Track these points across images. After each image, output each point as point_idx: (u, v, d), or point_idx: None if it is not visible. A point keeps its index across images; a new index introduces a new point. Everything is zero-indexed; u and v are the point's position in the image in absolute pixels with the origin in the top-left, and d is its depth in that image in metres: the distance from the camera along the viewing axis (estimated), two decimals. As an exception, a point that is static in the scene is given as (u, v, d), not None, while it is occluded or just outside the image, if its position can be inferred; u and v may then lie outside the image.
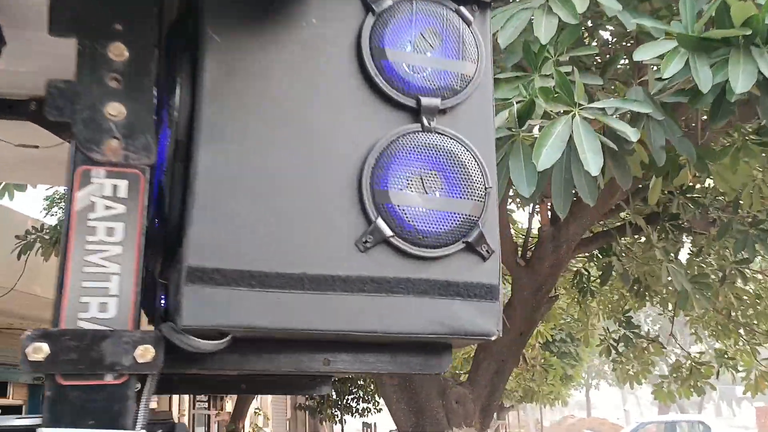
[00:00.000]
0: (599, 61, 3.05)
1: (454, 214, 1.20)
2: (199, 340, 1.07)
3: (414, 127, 1.22)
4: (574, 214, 5.15)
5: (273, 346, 1.17)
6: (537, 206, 5.91)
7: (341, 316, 1.12)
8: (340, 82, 1.21)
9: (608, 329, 9.32)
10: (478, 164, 1.24)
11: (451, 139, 1.23)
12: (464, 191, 1.22)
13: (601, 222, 6.41)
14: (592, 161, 1.84)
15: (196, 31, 1.16)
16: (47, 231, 7.19)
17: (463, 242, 1.20)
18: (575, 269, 8.25)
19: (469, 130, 1.26)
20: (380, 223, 1.16)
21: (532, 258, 5.62)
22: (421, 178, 1.20)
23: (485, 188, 1.23)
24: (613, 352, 9.07)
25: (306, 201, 1.14)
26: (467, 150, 1.24)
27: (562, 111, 1.95)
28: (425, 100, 1.23)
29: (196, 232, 1.07)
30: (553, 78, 2.00)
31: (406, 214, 1.17)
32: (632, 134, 1.91)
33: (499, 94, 2.26)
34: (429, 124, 1.23)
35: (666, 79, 2.10)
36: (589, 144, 1.87)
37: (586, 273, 8.15)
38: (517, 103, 2.05)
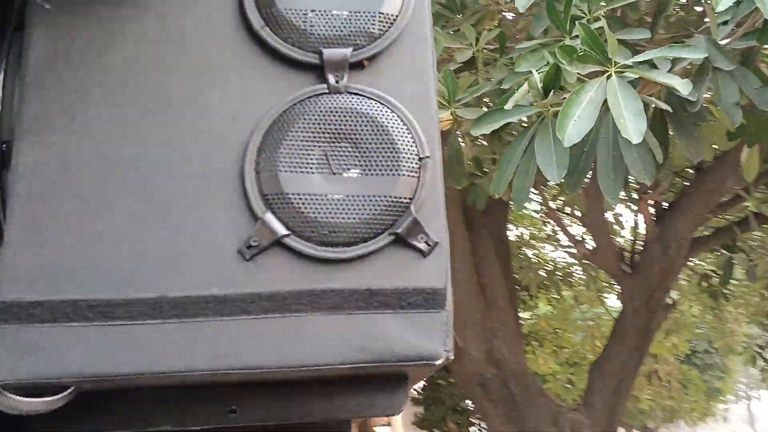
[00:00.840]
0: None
1: (375, 197, 0.88)
2: (23, 399, 0.80)
3: (317, 89, 0.92)
4: (679, 208, 4.59)
5: (146, 396, 0.89)
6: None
7: (218, 349, 0.83)
8: (215, 46, 0.93)
9: (751, 335, 8.45)
10: (408, 128, 0.92)
11: (368, 99, 0.92)
12: (388, 165, 0.90)
13: (720, 216, 5.74)
14: (632, 126, 1.45)
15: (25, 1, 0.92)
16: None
17: (390, 234, 0.88)
18: (702, 272, 7.51)
19: (398, 86, 0.95)
20: (269, 218, 0.86)
21: (640, 263, 5.07)
22: (327, 155, 0.89)
23: (419, 159, 0.91)
24: (760, 359, 8.19)
25: (166, 201, 0.86)
26: (392, 111, 0.92)
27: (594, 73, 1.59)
28: (329, 53, 0.93)
29: (10, 255, 0.81)
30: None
31: (305, 203, 0.87)
32: (682, 86, 1.51)
33: (524, 66, 1.90)
34: (337, 82, 0.92)
35: (727, 21, 1.69)
36: (628, 105, 1.49)
37: (715, 275, 7.39)
38: (538, 72, 1.68)
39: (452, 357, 0.86)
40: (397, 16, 0.96)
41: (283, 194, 0.87)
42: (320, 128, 0.90)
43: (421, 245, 0.88)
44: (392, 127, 0.91)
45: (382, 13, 0.95)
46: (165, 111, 0.89)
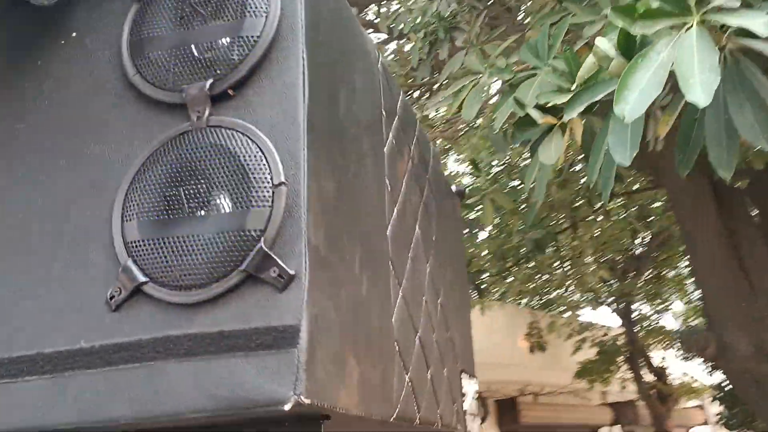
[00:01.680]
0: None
1: (222, 234, 0.84)
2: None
3: (181, 128, 0.91)
4: None
5: None
6: None
7: (84, 403, 0.85)
8: (100, 99, 0.97)
9: None
10: (264, 155, 0.86)
11: (227, 131, 0.88)
12: (238, 198, 0.85)
13: None
14: (703, 80, 1.16)
15: None
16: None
17: (241, 272, 0.83)
18: None
19: (263, 111, 0.90)
20: (130, 266, 0.86)
21: None
22: (184, 195, 0.87)
23: (272, 186, 0.85)
24: None
25: (46, 257, 0.91)
26: (250, 140, 0.87)
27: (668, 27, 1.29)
28: (189, 89, 0.91)
29: None
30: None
31: (159, 248, 0.86)
32: (762, 26, 1.17)
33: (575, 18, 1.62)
34: (198, 118, 0.90)
35: None
36: (704, 60, 1.19)
37: None
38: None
39: (307, 401, 0.77)
40: (258, 37, 0.90)
41: (140, 241, 0.86)
42: (180, 168, 0.88)
43: (273, 279, 0.82)
44: (246, 156, 0.86)
45: (242, 37, 0.91)
46: (52, 169, 0.94)
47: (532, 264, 7.41)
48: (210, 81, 0.90)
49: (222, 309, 0.83)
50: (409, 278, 1.20)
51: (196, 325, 0.83)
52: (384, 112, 1.21)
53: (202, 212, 0.85)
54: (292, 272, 0.81)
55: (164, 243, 0.85)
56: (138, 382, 0.83)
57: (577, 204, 6.55)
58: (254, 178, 0.84)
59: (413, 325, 1.19)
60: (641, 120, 1.37)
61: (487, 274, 7.60)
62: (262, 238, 0.83)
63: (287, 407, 0.77)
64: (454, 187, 1.97)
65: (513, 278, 7.87)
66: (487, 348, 9.12)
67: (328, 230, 0.89)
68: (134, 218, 0.87)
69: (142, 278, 0.85)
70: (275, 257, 0.82)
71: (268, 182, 0.84)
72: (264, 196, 0.84)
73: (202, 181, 0.87)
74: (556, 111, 1.85)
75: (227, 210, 0.84)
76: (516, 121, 1.99)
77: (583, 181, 6.10)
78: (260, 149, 0.86)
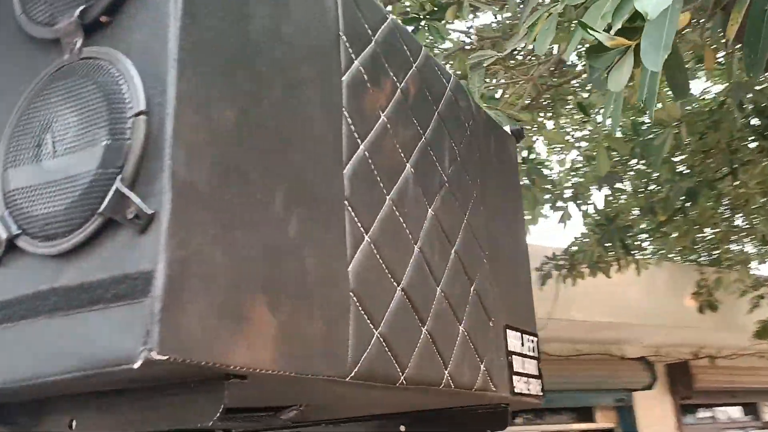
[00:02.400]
0: None
1: (78, 176, 0.75)
2: None
3: (56, 64, 0.83)
4: None
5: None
6: None
7: None
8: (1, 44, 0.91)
9: None
10: (127, 84, 0.76)
11: (96, 61, 0.79)
12: (95, 135, 0.76)
13: None
14: None
15: None
16: (559, 257, 7.25)
17: (99, 215, 0.74)
18: None
19: (136, 35, 0.80)
20: (6, 218, 0.80)
21: None
22: (52, 138, 0.79)
23: (131, 116, 0.74)
24: None
25: None
26: (117, 70, 0.78)
27: None
28: (61, 21, 0.82)
29: None
30: None
31: (25, 198, 0.79)
32: None
33: None
34: (71, 52, 0.82)
35: None
36: None
37: None
38: None
39: (162, 357, 0.67)
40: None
41: (14, 190, 0.80)
42: (51, 108, 0.80)
43: (129, 219, 0.72)
44: (108, 88, 0.76)
45: (109, -44, 0.81)
46: None
47: (690, 216, 6.84)
48: (79, 9, 0.81)
49: (86, 259, 0.74)
50: (385, 223, 1.06)
51: (63, 278, 0.75)
52: (344, 37, 1.06)
53: (68, 154, 0.77)
54: (150, 212, 0.71)
55: (32, 190, 0.78)
56: (8, 345, 0.76)
57: (734, 147, 5.94)
58: (112, 109, 0.75)
59: (391, 275, 1.05)
60: (674, 18, 1.12)
61: (639, 229, 7.13)
62: (119, 176, 0.73)
63: (136, 365, 0.67)
64: (508, 127, 1.78)
65: (670, 233, 7.31)
66: (648, 309, 8.60)
67: (220, 164, 0.78)
68: (10, 166, 0.81)
69: (15, 230, 0.78)
70: (132, 196, 0.72)
71: (126, 113, 0.74)
72: (120, 129, 0.74)
73: (71, 120, 0.78)
74: (629, 33, 1.62)
75: (87, 148, 0.75)
76: (587, 48, 1.78)
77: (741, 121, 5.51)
78: (124, 77, 0.76)
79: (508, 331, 1.45)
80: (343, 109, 1.02)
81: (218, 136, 0.79)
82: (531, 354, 1.55)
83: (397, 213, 1.10)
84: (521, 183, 1.72)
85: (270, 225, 0.84)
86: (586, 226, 6.78)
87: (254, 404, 0.91)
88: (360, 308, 0.96)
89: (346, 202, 0.98)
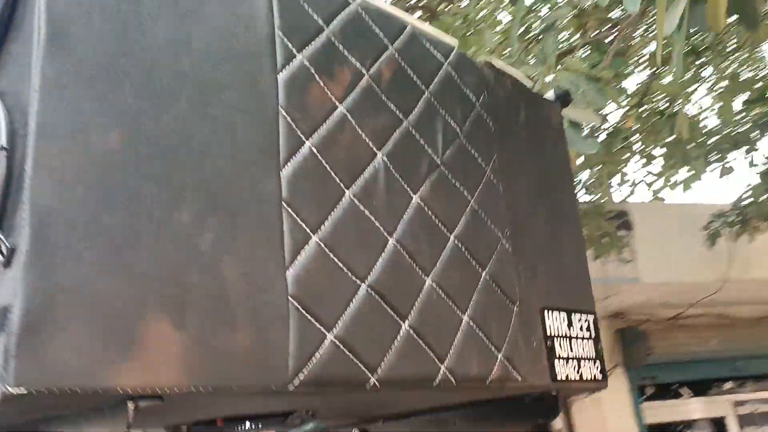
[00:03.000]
0: None
1: None
2: None
3: None
4: None
5: None
6: None
7: None
8: None
9: None
10: None
11: None
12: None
13: None
14: None
15: None
16: (728, 213, 6.68)
17: None
18: None
19: (11, 67, 0.82)
20: None
21: None
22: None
23: None
24: None
25: None
26: None
27: None
28: None
29: None
30: None
31: None
32: None
33: None
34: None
35: None
36: None
37: None
38: None
39: (16, 391, 0.68)
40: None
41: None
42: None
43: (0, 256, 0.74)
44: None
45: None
46: None
47: None
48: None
49: None
50: (342, 219, 1.02)
51: None
52: (281, 33, 1.03)
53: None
54: (9, 246, 0.72)
55: None
56: None
57: None
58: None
59: (351, 273, 1.01)
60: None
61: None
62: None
63: None
64: (552, 93, 1.65)
65: None
66: None
67: (101, 189, 0.78)
68: None
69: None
70: None
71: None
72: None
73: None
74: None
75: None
76: None
77: None
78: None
79: (546, 313, 1.35)
80: (280, 108, 0.99)
81: (99, 161, 0.79)
82: (583, 335, 1.43)
83: (362, 207, 1.06)
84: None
85: (173, 242, 0.83)
86: (759, 176, 6.19)
87: (185, 419, 0.91)
88: (305, 312, 0.93)
89: (284, 204, 0.95)
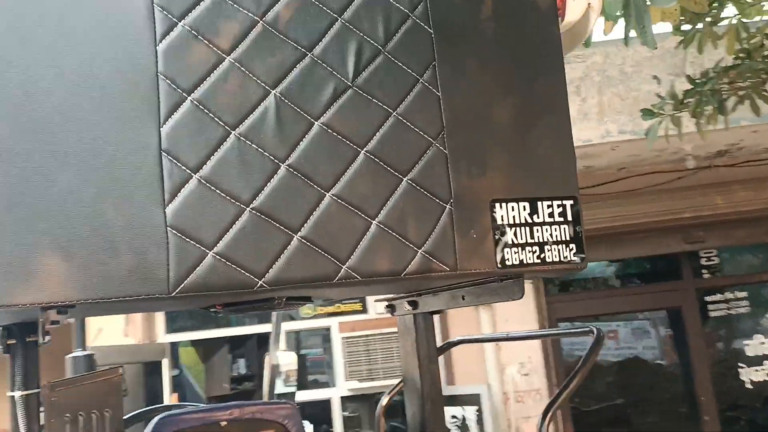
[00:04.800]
0: None
1: None
2: None
3: None
4: None
5: None
6: None
7: None
8: None
9: None
10: None
11: None
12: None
13: None
14: None
15: None
16: None
17: None
18: None
19: None
20: None
21: None
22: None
23: None
24: None
25: None
26: None
27: None
28: None
29: None
30: None
31: None
32: None
33: None
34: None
35: None
36: None
37: None
38: None
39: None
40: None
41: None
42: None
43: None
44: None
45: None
46: None
47: None
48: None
49: None
50: (226, 157, 1.24)
51: None
52: (159, 6, 1.24)
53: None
54: None
55: None
56: None
57: None
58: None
59: (235, 200, 1.23)
60: None
61: None
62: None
63: None
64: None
65: None
66: None
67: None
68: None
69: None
70: None
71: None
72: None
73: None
74: None
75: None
76: None
77: None
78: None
79: (498, 204, 1.43)
80: (159, 73, 1.22)
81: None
82: (553, 220, 1.47)
83: (249, 142, 1.26)
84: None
85: (58, 199, 1.14)
86: None
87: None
88: (183, 237, 1.19)
89: (163, 153, 1.20)
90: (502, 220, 1.43)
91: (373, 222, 1.32)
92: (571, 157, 1.52)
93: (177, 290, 1.18)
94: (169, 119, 1.22)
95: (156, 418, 1.97)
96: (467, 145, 1.42)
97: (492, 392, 6.61)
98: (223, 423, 1.98)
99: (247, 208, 1.24)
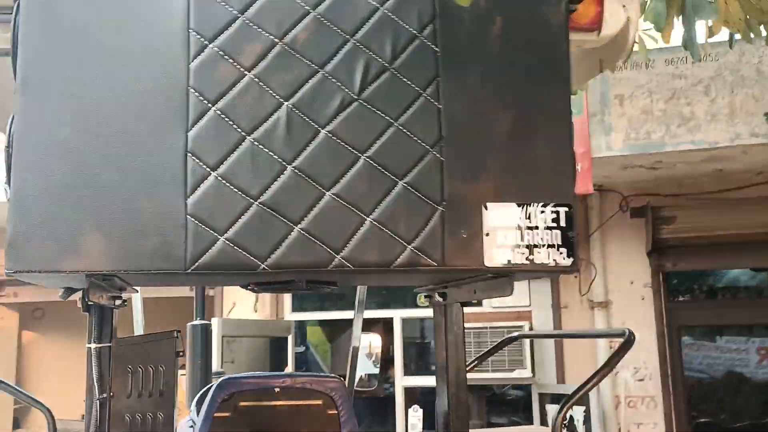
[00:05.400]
0: None
1: None
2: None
3: None
4: None
5: None
6: None
7: None
8: None
9: None
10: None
11: None
12: None
13: None
14: None
15: None
16: None
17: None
18: None
19: None
20: None
21: None
22: None
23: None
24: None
25: None
26: None
27: None
28: None
29: None
30: None
31: None
32: None
33: None
34: None
35: None
36: None
37: None
38: None
39: (10, 271, 1.39)
40: None
41: None
42: None
43: (15, 205, 1.44)
44: None
45: None
46: None
47: None
48: None
49: None
50: (241, 158, 1.48)
51: None
52: (194, 31, 1.49)
53: None
54: (8, 194, 1.42)
55: None
56: None
57: None
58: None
59: (245, 195, 1.47)
60: None
61: None
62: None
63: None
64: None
65: None
66: None
67: (56, 162, 1.42)
68: None
69: None
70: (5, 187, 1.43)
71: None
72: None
73: None
74: None
75: None
76: None
77: None
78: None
79: (489, 207, 1.58)
80: (190, 87, 1.48)
81: (55, 147, 1.42)
82: (546, 225, 1.60)
83: (261, 146, 1.49)
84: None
85: (102, 190, 1.42)
86: None
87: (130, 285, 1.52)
88: (199, 224, 1.45)
89: (189, 153, 1.46)
90: (493, 222, 1.57)
91: (368, 218, 1.52)
92: (569, 166, 1.63)
93: (192, 268, 1.44)
94: (196, 125, 1.47)
95: (221, 379, 2.26)
96: (464, 153, 1.57)
97: (602, 394, 6.54)
98: (277, 389, 2.24)
99: (255, 202, 1.47)
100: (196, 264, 1.44)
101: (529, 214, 1.60)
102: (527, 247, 1.59)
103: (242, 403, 2.23)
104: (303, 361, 8.33)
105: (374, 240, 1.52)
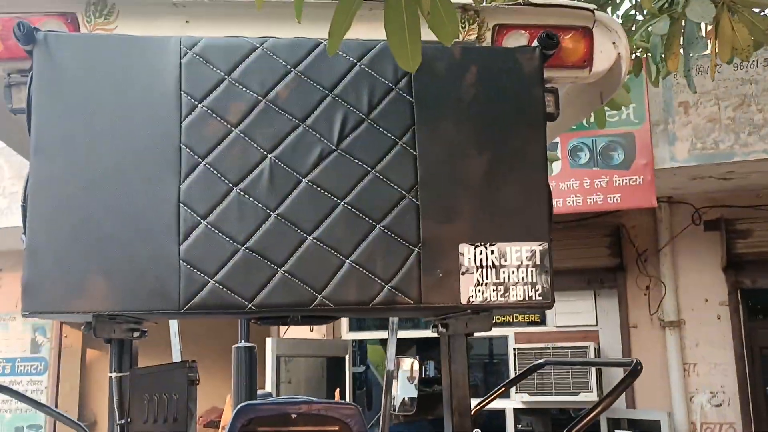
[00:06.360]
0: None
1: None
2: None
3: None
4: None
5: None
6: None
7: None
8: None
9: None
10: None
11: None
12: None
13: None
14: None
15: None
16: None
17: None
18: None
19: None
20: None
21: None
22: None
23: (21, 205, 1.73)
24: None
25: None
26: None
27: None
28: None
29: None
30: None
31: None
32: None
33: None
34: None
35: None
36: None
37: None
38: None
39: (26, 312, 1.67)
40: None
41: None
42: None
43: (30, 253, 1.72)
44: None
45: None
46: None
47: None
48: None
49: None
50: (227, 207, 1.71)
51: None
52: (185, 92, 1.74)
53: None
54: (25, 243, 1.69)
55: None
56: None
57: None
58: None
59: (232, 240, 1.70)
60: None
61: None
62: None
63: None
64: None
65: None
66: None
67: (60, 215, 1.69)
68: None
69: None
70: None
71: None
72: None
73: None
74: None
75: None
76: None
77: None
78: (32, 183, 1.75)
79: (465, 248, 1.76)
80: (182, 144, 1.72)
81: (67, 200, 1.69)
82: (520, 263, 1.77)
83: (247, 196, 1.72)
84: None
85: (103, 240, 1.68)
86: None
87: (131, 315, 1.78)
88: (191, 268, 1.69)
89: (181, 204, 1.71)
90: (469, 262, 1.76)
91: (347, 260, 1.73)
92: (543, 205, 1.80)
93: (185, 308, 1.68)
94: (187, 178, 1.71)
95: (239, 405, 2.51)
96: (439, 197, 1.77)
97: (675, 420, 6.51)
98: (294, 416, 2.47)
99: (242, 247, 1.71)
100: (189, 304, 1.68)
101: (504, 253, 1.77)
102: (502, 284, 1.76)
103: (260, 429, 2.47)
104: (362, 380, 8.57)
105: (353, 280, 1.72)
